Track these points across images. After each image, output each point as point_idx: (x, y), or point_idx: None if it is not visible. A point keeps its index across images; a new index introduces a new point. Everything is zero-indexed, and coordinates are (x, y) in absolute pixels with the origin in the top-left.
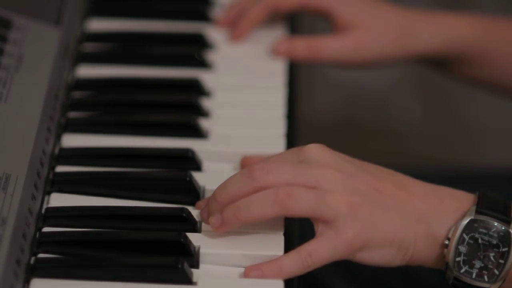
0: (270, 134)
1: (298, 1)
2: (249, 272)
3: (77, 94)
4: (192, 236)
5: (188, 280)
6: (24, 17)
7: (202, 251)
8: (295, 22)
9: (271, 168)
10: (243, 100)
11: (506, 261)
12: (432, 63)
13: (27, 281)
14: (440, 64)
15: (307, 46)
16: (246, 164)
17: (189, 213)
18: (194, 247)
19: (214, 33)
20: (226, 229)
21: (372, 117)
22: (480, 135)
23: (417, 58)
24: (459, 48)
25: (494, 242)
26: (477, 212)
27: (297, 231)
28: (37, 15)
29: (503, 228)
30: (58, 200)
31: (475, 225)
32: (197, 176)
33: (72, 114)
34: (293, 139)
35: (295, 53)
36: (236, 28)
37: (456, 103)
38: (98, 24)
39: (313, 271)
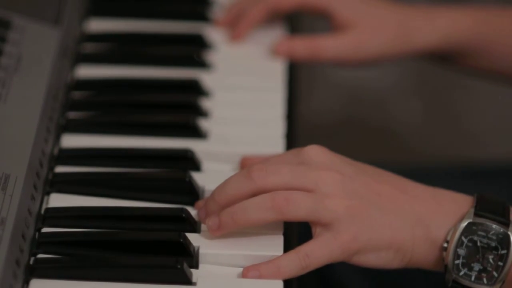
0: (270, 134)
1: (297, 1)
2: (247, 272)
3: (76, 95)
4: (191, 237)
5: (188, 280)
6: (23, 17)
7: (201, 251)
8: (294, 22)
9: (270, 169)
10: (242, 100)
11: (505, 263)
12: (432, 57)
13: (26, 282)
14: (441, 58)
15: (307, 46)
16: (246, 164)
17: (189, 213)
18: (194, 248)
19: (213, 33)
20: (222, 232)
21: (372, 116)
22: (480, 133)
23: (417, 55)
24: (458, 43)
25: (493, 244)
26: (476, 214)
27: (297, 231)
28: (36, 15)
29: (501, 230)
30: (58, 200)
31: (474, 227)
32: (196, 176)
33: (72, 115)
34: (293, 139)
35: (295, 53)
36: (236, 28)
37: (456, 101)
38: (97, 24)
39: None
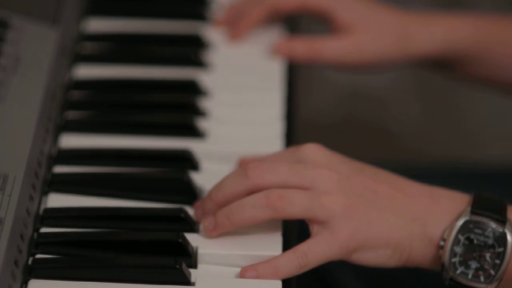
0: (268, 134)
1: (298, 2)
2: (244, 272)
3: (74, 94)
4: (190, 237)
5: (186, 281)
6: (21, 17)
7: (200, 251)
8: (293, 23)
9: (266, 167)
10: (241, 100)
11: (502, 261)
12: (431, 65)
13: (25, 282)
14: (440, 65)
15: (307, 47)
16: (243, 164)
17: (187, 213)
18: (192, 248)
19: (212, 33)
20: (219, 232)
21: (371, 116)
22: (479, 133)
23: (416, 61)
24: (458, 50)
25: (490, 242)
26: (472, 212)
27: (296, 231)
28: (34, 15)
29: (498, 228)
30: (56, 200)
31: (470, 225)
32: (195, 176)
33: (70, 115)
34: (292, 139)
35: (295, 53)
36: (236, 28)
37: (455, 101)
38: (95, 24)
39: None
